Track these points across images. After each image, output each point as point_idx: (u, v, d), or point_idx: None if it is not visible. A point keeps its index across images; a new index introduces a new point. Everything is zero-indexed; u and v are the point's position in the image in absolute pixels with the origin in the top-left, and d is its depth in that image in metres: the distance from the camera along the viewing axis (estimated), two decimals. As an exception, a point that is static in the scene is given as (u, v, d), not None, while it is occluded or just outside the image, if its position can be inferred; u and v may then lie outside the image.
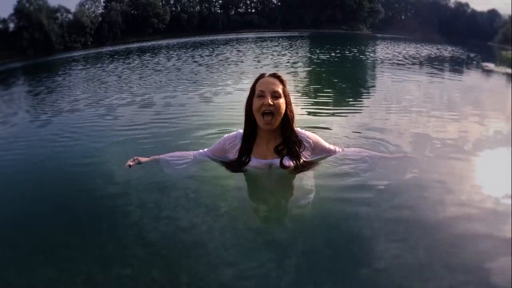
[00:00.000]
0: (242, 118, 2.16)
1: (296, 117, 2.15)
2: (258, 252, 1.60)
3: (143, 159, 2.26)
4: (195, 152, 2.32)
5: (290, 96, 2.10)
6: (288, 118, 2.06)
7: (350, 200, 1.95)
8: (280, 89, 2.02)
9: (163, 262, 1.57)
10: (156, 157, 2.31)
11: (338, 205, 1.91)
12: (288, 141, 2.08)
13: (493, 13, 46.00)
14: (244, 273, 1.48)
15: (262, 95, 1.99)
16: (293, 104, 2.11)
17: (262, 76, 2.08)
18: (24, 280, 1.53)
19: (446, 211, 1.84)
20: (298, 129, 2.16)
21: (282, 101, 2.01)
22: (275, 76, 2.06)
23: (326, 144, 2.24)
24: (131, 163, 2.19)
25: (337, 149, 2.28)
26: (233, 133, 2.23)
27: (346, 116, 4.04)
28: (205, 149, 2.31)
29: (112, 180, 2.31)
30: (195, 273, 1.50)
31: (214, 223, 1.80)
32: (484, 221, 1.75)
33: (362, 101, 5.09)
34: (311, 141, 2.17)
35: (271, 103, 1.96)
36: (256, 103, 2.00)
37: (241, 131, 2.17)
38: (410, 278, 1.41)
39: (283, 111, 2.02)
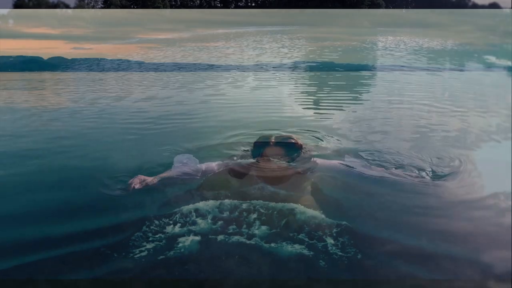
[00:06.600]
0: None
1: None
2: (259, 250, 1.61)
3: (149, 180, 2.15)
4: (203, 165, 2.31)
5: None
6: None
7: (351, 198, 1.97)
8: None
9: (165, 258, 1.58)
10: (162, 175, 2.23)
11: (337, 205, 1.93)
12: None
13: (494, 7, 45.73)
14: (244, 271, 1.49)
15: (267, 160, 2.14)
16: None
17: (267, 143, 2.22)
18: (27, 277, 1.53)
19: (447, 206, 1.85)
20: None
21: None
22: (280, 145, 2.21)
23: (326, 162, 2.33)
24: (137, 186, 2.08)
25: (336, 162, 2.35)
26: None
27: (347, 111, 4.04)
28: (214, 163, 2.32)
29: (113, 177, 2.31)
30: (197, 270, 1.51)
31: (215, 223, 1.81)
32: (486, 213, 1.77)
33: (362, 97, 5.08)
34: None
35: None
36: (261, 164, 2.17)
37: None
38: (414, 269, 1.43)
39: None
